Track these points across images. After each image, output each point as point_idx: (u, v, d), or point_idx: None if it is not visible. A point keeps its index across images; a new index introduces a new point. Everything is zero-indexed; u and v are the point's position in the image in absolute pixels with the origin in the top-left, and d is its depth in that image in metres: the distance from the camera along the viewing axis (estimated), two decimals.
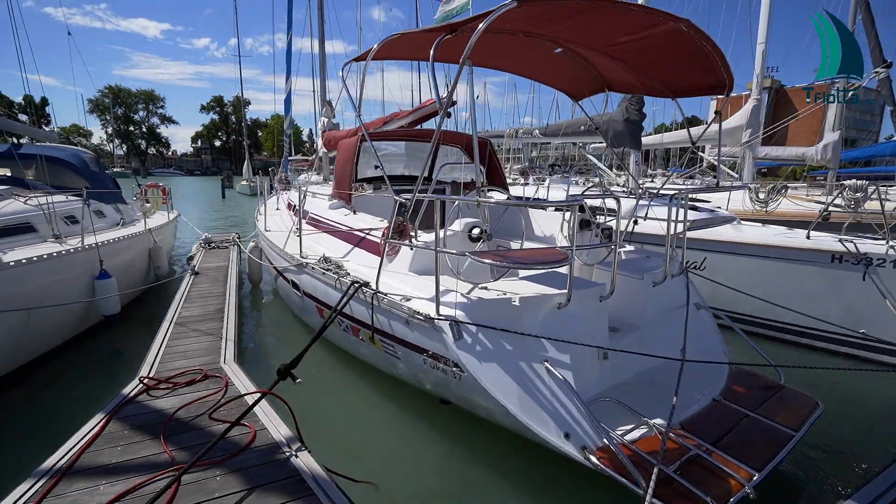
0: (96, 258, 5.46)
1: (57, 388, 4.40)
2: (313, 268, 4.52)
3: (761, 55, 10.05)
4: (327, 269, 4.30)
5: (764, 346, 4.15)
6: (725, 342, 4.03)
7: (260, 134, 77.73)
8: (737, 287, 5.42)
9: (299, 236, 5.04)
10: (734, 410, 3.15)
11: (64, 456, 2.60)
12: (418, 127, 7.39)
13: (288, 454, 2.68)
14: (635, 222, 4.81)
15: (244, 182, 34.81)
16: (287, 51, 19.58)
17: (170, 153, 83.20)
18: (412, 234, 4.02)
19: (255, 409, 3.09)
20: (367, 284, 3.71)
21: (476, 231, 4.07)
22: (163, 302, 6.02)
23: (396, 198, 3.93)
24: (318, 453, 2.77)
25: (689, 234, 6.35)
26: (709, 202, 9.92)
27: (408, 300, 3.38)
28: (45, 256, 4.70)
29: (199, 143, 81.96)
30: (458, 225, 4.13)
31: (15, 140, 8.63)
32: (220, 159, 78.38)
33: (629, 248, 4.83)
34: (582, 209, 4.04)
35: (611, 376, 3.41)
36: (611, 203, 4.37)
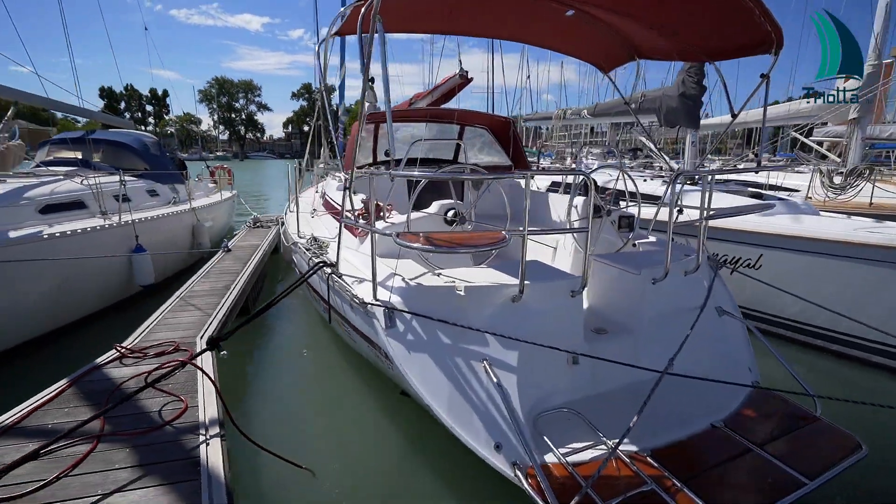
0: (132, 233, 6.00)
1: (90, 345, 4.95)
2: (299, 247, 4.58)
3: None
4: (308, 249, 4.32)
5: (825, 363, 3.44)
6: (758, 356, 3.36)
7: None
8: (804, 294, 4.58)
9: (296, 217, 5.12)
10: (735, 442, 2.56)
11: (15, 414, 2.84)
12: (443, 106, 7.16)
13: (202, 436, 2.68)
14: (679, 211, 4.03)
15: (321, 165, 37.08)
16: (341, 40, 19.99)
17: (265, 138, 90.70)
18: (381, 215, 3.89)
19: (198, 385, 3.16)
20: (332, 265, 3.63)
21: (451, 213, 3.85)
22: None
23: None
24: (268, 437, 2.77)
25: (744, 227, 5.53)
26: (795, 191, 8.52)
27: (360, 283, 3.24)
28: (79, 231, 5.23)
29: (290, 128, 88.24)
30: (434, 207, 3.93)
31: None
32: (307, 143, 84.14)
33: (651, 239, 4.25)
34: (586, 189, 3.58)
35: (588, 385, 2.95)
36: (644, 187, 3.98)
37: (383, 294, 2.91)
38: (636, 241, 4.11)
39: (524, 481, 2.23)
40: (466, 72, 8.32)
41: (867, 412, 2.76)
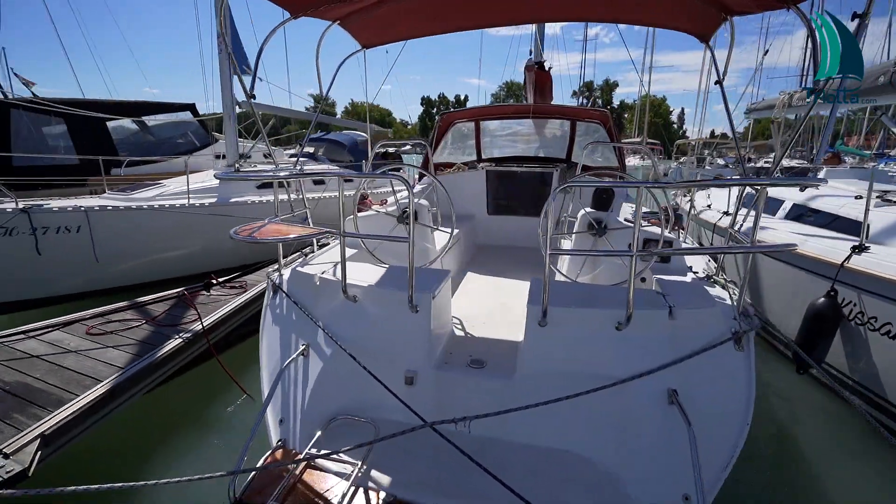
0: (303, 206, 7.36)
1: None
2: None
3: None
4: None
5: None
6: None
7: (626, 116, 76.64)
8: None
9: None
10: None
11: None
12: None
13: None
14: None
15: None
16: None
17: None
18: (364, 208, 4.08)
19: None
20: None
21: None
22: None
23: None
24: None
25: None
26: None
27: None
28: (265, 201, 7.21)
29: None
30: (392, 206, 3.99)
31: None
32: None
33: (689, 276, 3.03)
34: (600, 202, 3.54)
35: (431, 411, 2.29)
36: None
37: (285, 274, 3.10)
38: (660, 275, 2.96)
39: (262, 461, 2.24)
40: (539, 62, 6.79)
41: None
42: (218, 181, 7.38)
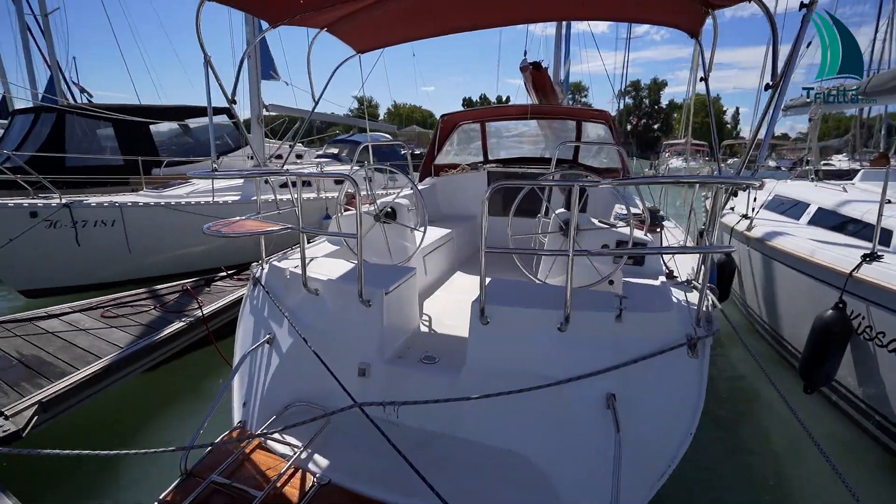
0: (324, 205, 7.96)
1: None
2: None
3: None
4: None
5: None
6: None
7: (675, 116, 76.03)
8: None
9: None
10: None
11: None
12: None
13: None
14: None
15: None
16: None
17: None
18: (350, 207, 4.18)
19: None
20: None
21: (388, 211, 3.84)
22: None
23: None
24: None
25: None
26: None
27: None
28: (285, 199, 6.74)
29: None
30: (371, 206, 4.04)
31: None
32: (626, 143, 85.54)
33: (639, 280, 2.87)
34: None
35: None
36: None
37: (266, 267, 3.29)
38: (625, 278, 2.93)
39: (219, 438, 2.41)
40: (535, 62, 6.53)
41: None
42: (242, 180, 7.86)
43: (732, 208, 7.80)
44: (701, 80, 3.23)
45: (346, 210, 4.11)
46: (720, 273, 5.71)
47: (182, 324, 4.25)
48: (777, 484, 3.30)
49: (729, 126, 62.12)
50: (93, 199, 6.55)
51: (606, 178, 5.20)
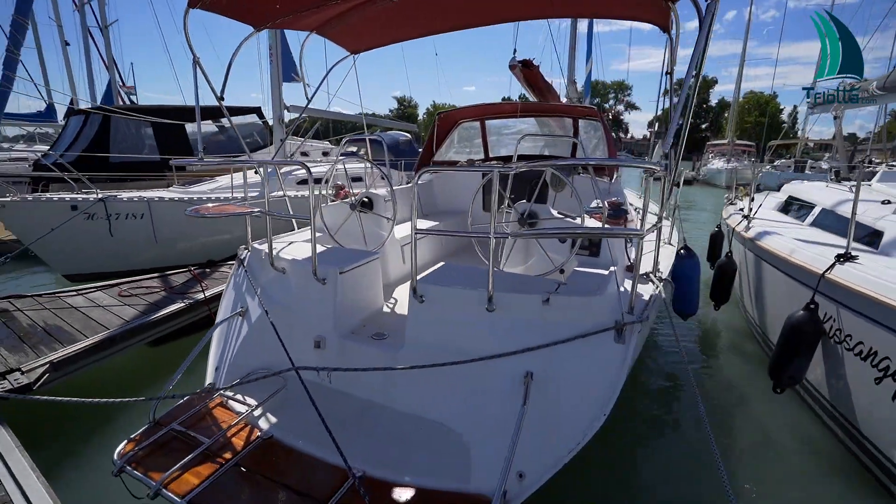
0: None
1: None
2: None
3: None
4: None
5: None
6: None
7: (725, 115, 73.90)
8: None
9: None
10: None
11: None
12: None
13: None
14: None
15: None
16: None
17: (628, 137, 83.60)
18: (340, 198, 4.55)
19: None
20: None
21: (365, 200, 4.19)
22: None
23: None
24: None
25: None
26: None
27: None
28: (299, 195, 7.29)
29: (656, 127, 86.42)
30: (351, 198, 4.36)
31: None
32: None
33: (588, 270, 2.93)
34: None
35: (332, 374, 2.88)
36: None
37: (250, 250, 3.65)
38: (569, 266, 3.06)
39: (189, 395, 2.84)
40: (524, 60, 6.89)
41: None
42: (260, 178, 8.42)
43: (741, 209, 7.63)
44: (667, 73, 3.32)
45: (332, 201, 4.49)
46: (720, 275, 5.67)
47: (183, 304, 4.74)
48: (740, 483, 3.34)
49: (786, 126, 58.58)
50: (125, 195, 7.26)
51: (602, 175, 5.29)
